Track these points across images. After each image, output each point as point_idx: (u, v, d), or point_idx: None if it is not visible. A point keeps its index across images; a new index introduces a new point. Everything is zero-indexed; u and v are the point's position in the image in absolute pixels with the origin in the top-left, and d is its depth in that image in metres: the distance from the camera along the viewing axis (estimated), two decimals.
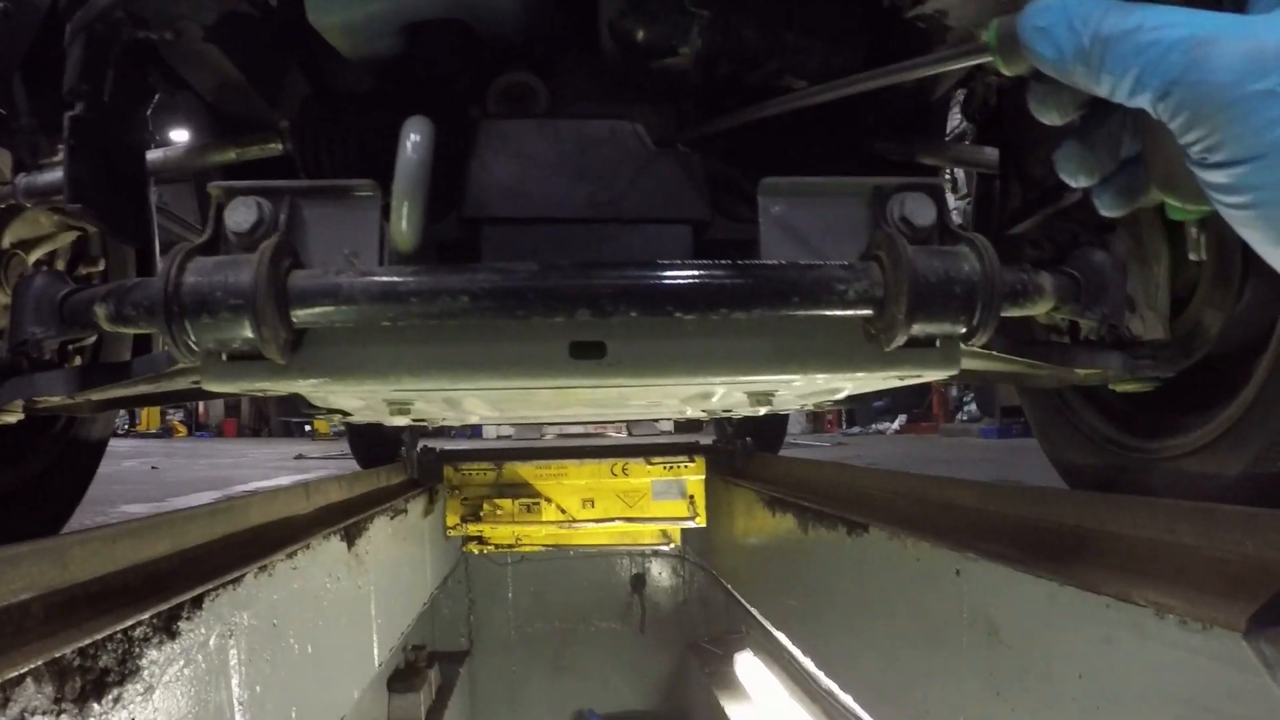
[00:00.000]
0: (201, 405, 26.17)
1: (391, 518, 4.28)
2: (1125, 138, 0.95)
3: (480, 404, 2.40)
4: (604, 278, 1.39)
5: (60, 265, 2.52)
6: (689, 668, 7.39)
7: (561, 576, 7.79)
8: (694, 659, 7.18)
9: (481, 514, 5.88)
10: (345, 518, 3.48)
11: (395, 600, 4.38)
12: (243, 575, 2.33)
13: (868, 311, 1.45)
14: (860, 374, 1.67)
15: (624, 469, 5.88)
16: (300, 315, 1.39)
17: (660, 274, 1.41)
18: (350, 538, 3.46)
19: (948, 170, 2.64)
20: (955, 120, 2.81)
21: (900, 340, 1.45)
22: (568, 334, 1.57)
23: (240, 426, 29.26)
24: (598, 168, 1.81)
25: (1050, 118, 0.95)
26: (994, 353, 1.95)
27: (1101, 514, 2.03)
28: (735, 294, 1.41)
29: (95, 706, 1.66)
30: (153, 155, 2.08)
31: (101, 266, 2.65)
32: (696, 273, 1.41)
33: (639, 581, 7.84)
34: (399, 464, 5.30)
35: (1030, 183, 2.13)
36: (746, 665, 6.32)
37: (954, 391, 21.47)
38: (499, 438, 16.98)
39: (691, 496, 5.91)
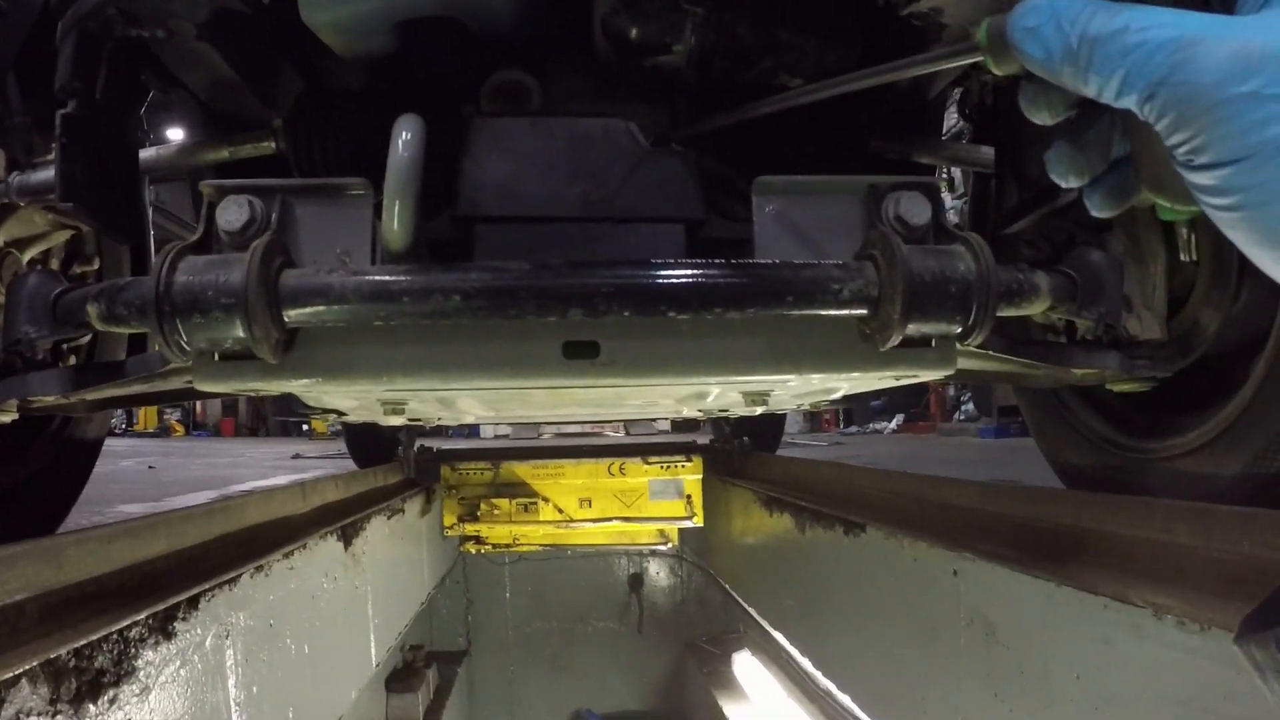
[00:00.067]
0: (199, 404, 26.13)
1: (389, 518, 4.28)
2: (1115, 138, 0.95)
3: (475, 404, 2.40)
4: (597, 277, 1.38)
5: (55, 264, 2.51)
6: (687, 667, 7.39)
7: (559, 576, 7.79)
8: (692, 659, 7.17)
9: (479, 514, 5.87)
10: (342, 518, 3.48)
11: (393, 600, 4.38)
12: (239, 575, 2.32)
13: (863, 311, 1.45)
14: (856, 374, 1.66)
15: (621, 469, 5.87)
16: (292, 315, 1.38)
17: (654, 273, 1.40)
18: (347, 538, 3.45)
19: (944, 169, 2.64)
20: (951, 119, 2.81)
21: (895, 340, 1.44)
22: (561, 334, 1.57)
23: (237, 426, 29.26)
24: (591, 166, 1.80)
25: (1041, 117, 0.95)
26: (990, 353, 1.94)
27: (1099, 514, 2.03)
28: (729, 293, 1.40)
29: (91, 708, 1.65)
30: (146, 154, 2.07)
31: (96, 265, 2.64)
32: (690, 272, 1.41)
33: (637, 581, 7.84)
34: (396, 463, 5.30)
35: (1026, 182, 2.12)
36: (744, 665, 6.31)
37: (951, 391, 21.46)
38: (496, 437, 16.97)
39: (689, 496, 5.91)
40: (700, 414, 3.69)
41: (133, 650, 1.80)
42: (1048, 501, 2.26)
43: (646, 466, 5.88)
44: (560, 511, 5.88)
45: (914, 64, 1.21)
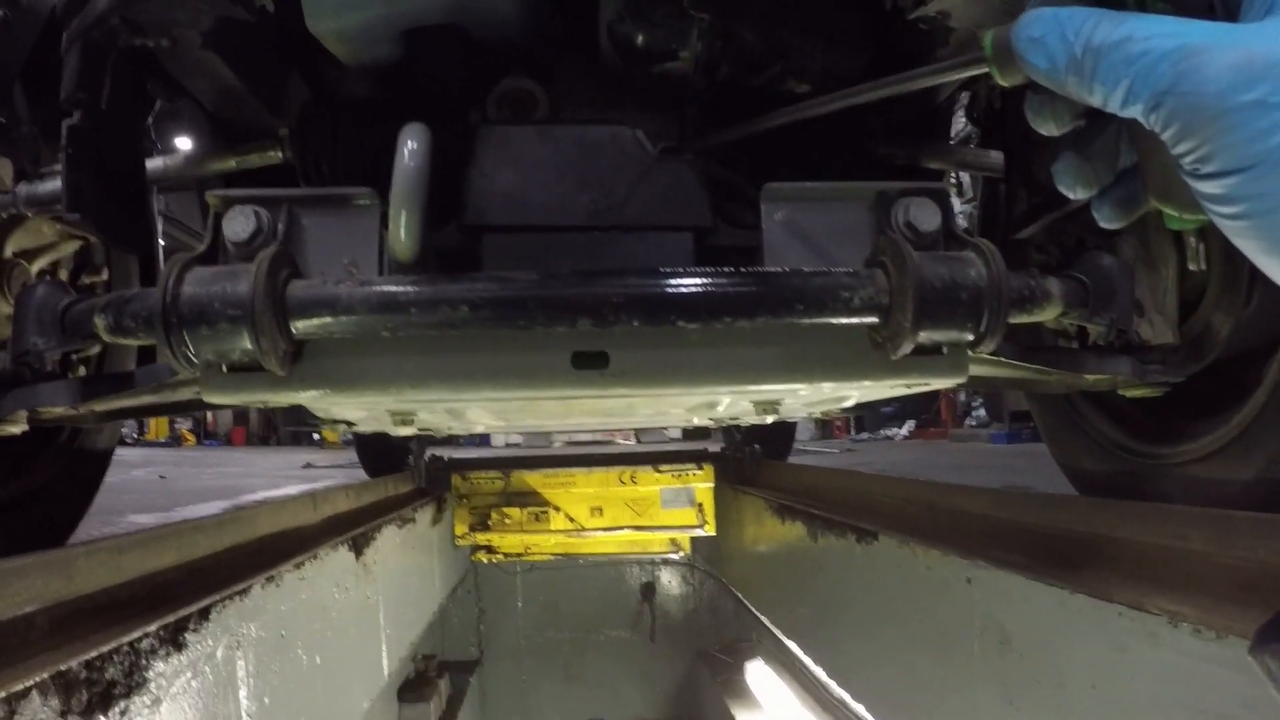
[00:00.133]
0: (210, 414, 26.25)
1: (400, 527, 4.27)
2: (1122, 149, 0.95)
3: (484, 414, 2.39)
4: (606, 286, 1.37)
5: (63, 274, 2.52)
6: (700, 676, 7.37)
7: (571, 585, 7.79)
8: (705, 667, 7.16)
9: (490, 523, 5.88)
10: (353, 527, 3.47)
11: (404, 610, 4.37)
12: (250, 586, 2.31)
13: (873, 319, 1.44)
14: (867, 382, 1.65)
15: (632, 477, 5.87)
16: (299, 326, 1.38)
17: (663, 282, 1.39)
18: (358, 547, 3.45)
19: (953, 174, 2.63)
20: (960, 123, 2.80)
21: (907, 348, 1.43)
22: (570, 344, 1.56)
23: (249, 435, 29.36)
24: (598, 174, 1.79)
25: (1047, 128, 0.94)
26: (1002, 359, 1.93)
27: (1112, 521, 2.02)
28: (739, 302, 1.39)
29: (102, 719, 1.65)
30: (153, 164, 2.07)
31: (105, 276, 2.64)
32: (699, 281, 1.40)
33: (649, 590, 7.83)
34: (407, 473, 5.30)
35: (1036, 187, 2.11)
36: (757, 674, 6.30)
37: (962, 397, 21.46)
38: (507, 445, 17.01)
39: (700, 504, 5.90)
40: (711, 422, 3.68)
41: (144, 662, 1.80)
42: (1061, 508, 2.25)
43: (658, 475, 5.87)
44: (571, 520, 5.88)
45: (921, 76, 1.21)
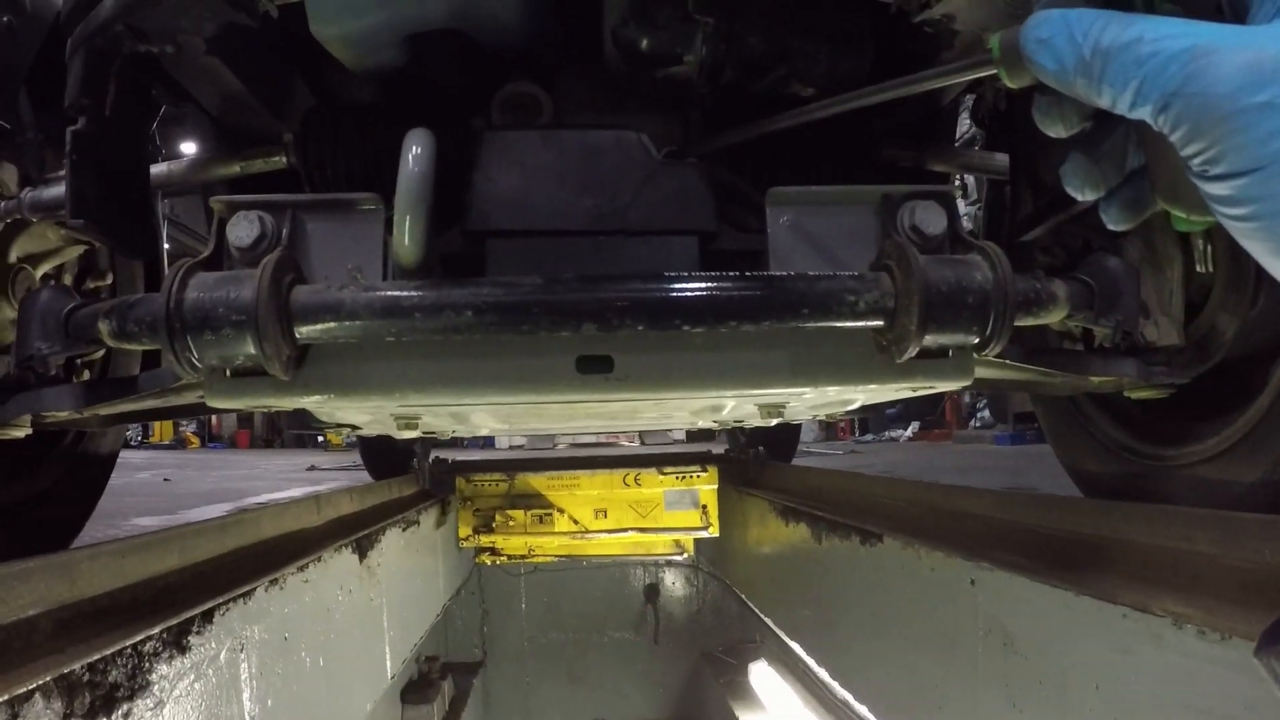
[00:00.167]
0: (214, 417, 26.24)
1: (404, 529, 4.28)
2: (1130, 150, 0.94)
3: (488, 417, 2.39)
4: (610, 291, 1.37)
5: (68, 279, 2.52)
6: (703, 677, 7.37)
7: (575, 587, 7.79)
8: (708, 669, 7.16)
9: (494, 525, 5.87)
10: (357, 530, 3.48)
11: (408, 612, 4.38)
12: (253, 589, 2.32)
13: (879, 323, 1.43)
14: (872, 386, 1.65)
15: (636, 479, 5.87)
16: (303, 331, 1.38)
17: (667, 287, 1.39)
18: (362, 550, 3.45)
19: (958, 176, 2.62)
20: (964, 125, 2.80)
21: (912, 352, 1.43)
22: (574, 348, 1.56)
23: (253, 438, 29.35)
24: (602, 179, 1.79)
25: (1055, 130, 0.94)
26: (1007, 361, 1.93)
27: (1117, 522, 2.02)
28: (744, 306, 1.39)
29: None
30: (158, 169, 2.07)
31: (110, 280, 2.64)
32: (704, 285, 1.39)
33: (652, 591, 7.83)
34: (411, 475, 5.29)
35: (1042, 188, 2.11)
36: (761, 675, 6.30)
37: (966, 398, 21.46)
38: (511, 447, 17.00)
39: (704, 506, 5.90)
40: (715, 425, 3.68)
41: (147, 664, 1.80)
42: (1065, 510, 2.25)
43: (661, 477, 5.87)
44: (575, 522, 5.87)
45: (927, 78, 1.20)
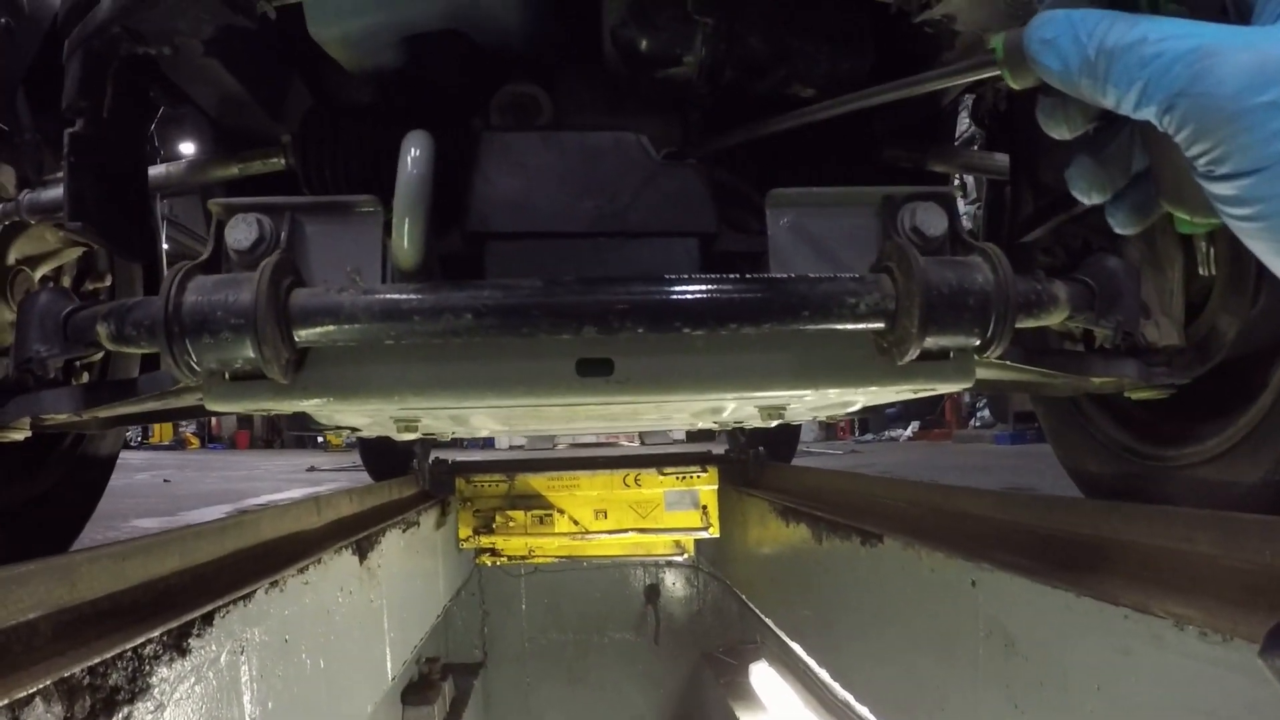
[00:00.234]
0: (214, 418, 26.25)
1: (404, 530, 4.27)
2: (1135, 152, 0.94)
3: (488, 419, 2.39)
4: (610, 294, 1.37)
5: (66, 281, 2.52)
6: (704, 678, 7.36)
7: (575, 588, 7.77)
8: (709, 669, 7.14)
9: (494, 526, 5.86)
10: (357, 531, 3.47)
11: (408, 613, 4.37)
12: (254, 591, 2.31)
13: (880, 325, 1.43)
14: (873, 388, 1.65)
15: (636, 479, 5.86)
16: (302, 334, 1.38)
17: (668, 289, 1.39)
18: (362, 551, 3.45)
19: (957, 175, 2.62)
20: (963, 124, 2.80)
21: (913, 354, 1.43)
22: (574, 351, 1.56)
23: (253, 438, 29.39)
24: (602, 180, 1.79)
25: (1059, 132, 0.94)
26: (1008, 363, 1.92)
27: (1118, 523, 2.01)
28: (744, 309, 1.39)
29: None
30: (156, 171, 2.07)
31: (108, 282, 2.64)
32: (705, 287, 1.39)
33: (653, 592, 7.81)
34: (411, 476, 5.29)
35: (1042, 189, 2.11)
36: (761, 676, 6.29)
37: (967, 398, 21.46)
38: (511, 448, 17.01)
39: (705, 507, 5.89)
40: (716, 426, 3.68)
41: (147, 667, 1.80)
42: (1066, 510, 2.24)
43: (662, 477, 5.86)
44: (576, 523, 5.86)
45: (929, 79, 1.20)
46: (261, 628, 2.35)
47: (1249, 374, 2.11)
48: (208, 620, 2.05)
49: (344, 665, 3.16)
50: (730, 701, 6.26)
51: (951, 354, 1.52)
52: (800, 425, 6.54)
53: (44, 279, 2.35)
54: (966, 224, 1.63)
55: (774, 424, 2.51)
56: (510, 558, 6.16)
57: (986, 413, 21.29)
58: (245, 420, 28.52)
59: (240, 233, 1.48)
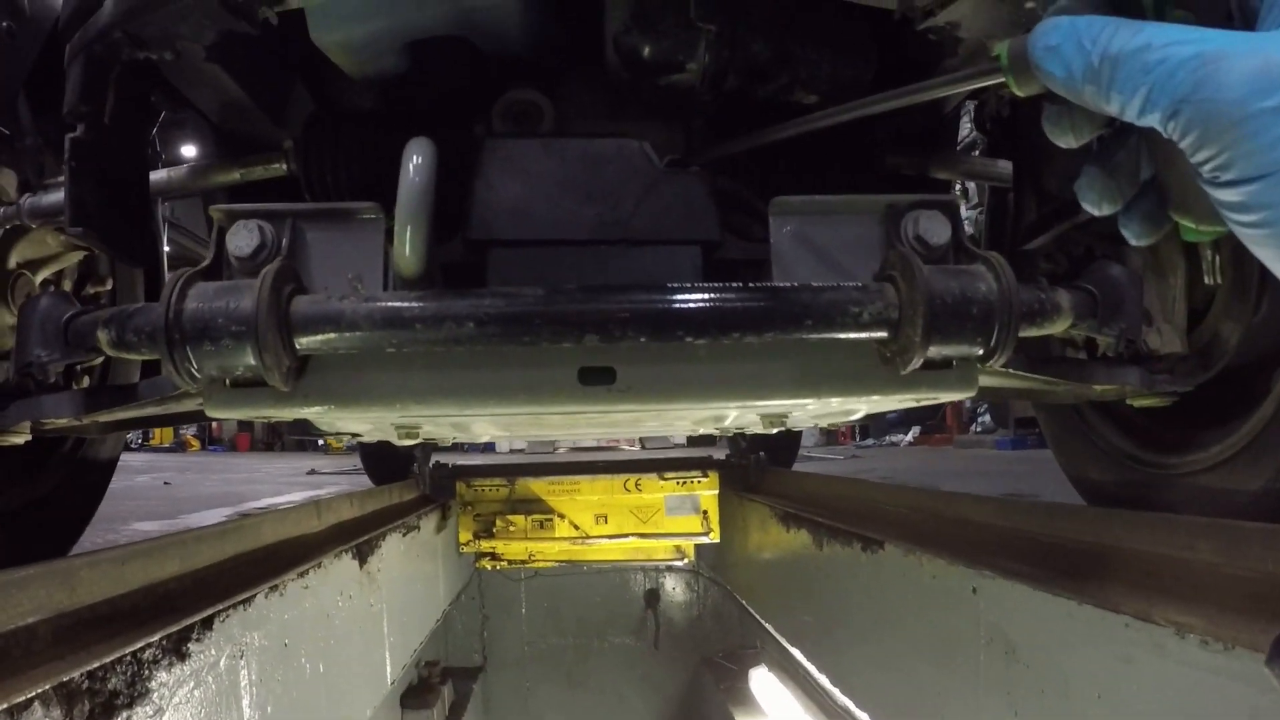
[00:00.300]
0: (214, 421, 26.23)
1: (404, 535, 4.27)
2: (1143, 161, 0.93)
3: (490, 425, 2.39)
4: (613, 302, 1.36)
5: (68, 285, 2.51)
6: (703, 683, 7.35)
7: (575, 592, 7.76)
8: (708, 674, 7.14)
9: (494, 530, 5.85)
10: (357, 535, 3.47)
11: (408, 617, 4.36)
12: (253, 595, 2.31)
13: (883, 334, 1.43)
14: (875, 397, 1.65)
15: (637, 484, 5.85)
16: (303, 342, 1.37)
17: (670, 298, 1.39)
18: (362, 555, 3.44)
19: (958, 181, 2.62)
20: (965, 129, 2.79)
21: (916, 363, 1.42)
22: (576, 359, 1.56)
23: (253, 441, 29.39)
24: (605, 188, 1.78)
25: (1066, 140, 0.93)
26: (1011, 371, 1.92)
27: (1119, 531, 2.01)
28: (747, 318, 1.38)
29: None
30: (157, 176, 2.07)
31: (109, 286, 2.64)
32: (707, 296, 1.39)
33: (653, 597, 7.80)
34: (412, 480, 5.29)
35: (1045, 197, 2.10)
36: (761, 681, 6.28)
37: (967, 403, 21.43)
38: (512, 451, 17.02)
39: (705, 512, 5.88)
40: (717, 431, 3.67)
41: (146, 672, 1.79)
42: (1068, 518, 2.24)
43: (662, 482, 5.85)
44: (576, 528, 5.85)
45: (934, 86, 1.20)
46: (261, 632, 2.35)
47: (1251, 381, 2.11)
48: (207, 624, 2.04)
49: (343, 669, 3.16)
50: (730, 707, 6.25)
51: (954, 363, 1.51)
52: (801, 431, 6.53)
53: (45, 283, 2.35)
54: (968, 229, 1.63)
55: (775, 431, 2.51)
56: (510, 562, 6.16)
57: (987, 418, 21.27)
58: (246, 423, 28.47)
59: (241, 239, 1.48)
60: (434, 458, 5.68)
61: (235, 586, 2.26)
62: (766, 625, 5.32)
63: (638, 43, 1.79)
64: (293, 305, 1.37)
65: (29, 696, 1.43)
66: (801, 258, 1.60)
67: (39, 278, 2.31)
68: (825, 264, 1.59)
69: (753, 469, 5.62)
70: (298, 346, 1.38)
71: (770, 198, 1.62)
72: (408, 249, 1.38)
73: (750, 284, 1.42)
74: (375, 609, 3.62)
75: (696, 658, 7.67)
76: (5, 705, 1.37)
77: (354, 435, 2.59)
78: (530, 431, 3.25)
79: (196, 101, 2.00)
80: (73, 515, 2.77)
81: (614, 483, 5.85)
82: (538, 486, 5.87)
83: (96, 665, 1.63)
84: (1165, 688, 1.73)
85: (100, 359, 2.53)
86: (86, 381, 2.58)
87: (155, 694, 1.81)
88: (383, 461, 5.94)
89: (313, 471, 13.19)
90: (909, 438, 22.81)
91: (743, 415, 2.22)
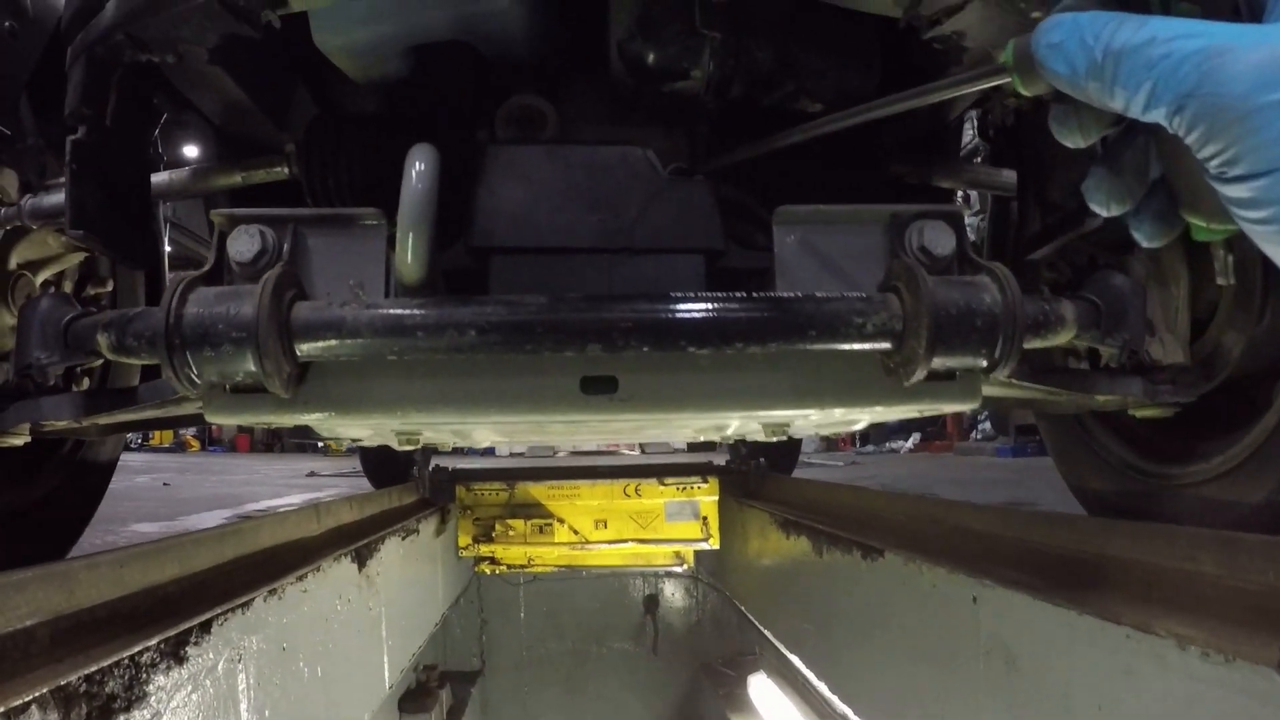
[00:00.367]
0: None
1: (403, 538, 4.26)
2: (1152, 160, 0.92)
3: (490, 431, 2.39)
4: (615, 311, 1.36)
5: (68, 286, 2.51)
6: (702, 690, 7.34)
7: (574, 597, 7.75)
8: (707, 681, 7.12)
9: (494, 534, 5.84)
10: (356, 539, 3.46)
11: (407, 621, 4.36)
12: (252, 599, 2.30)
13: (887, 345, 1.42)
14: (878, 408, 1.64)
15: (637, 490, 5.84)
16: (304, 348, 1.37)
17: (673, 307, 1.38)
18: (361, 559, 3.43)
19: (960, 189, 2.62)
20: (967, 136, 2.79)
21: (920, 374, 1.42)
22: (578, 368, 1.55)
23: (253, 442, 29.41)
24: (608, 195, 1.78)
25: (1073, 140, 0.92)
26: (1014, 381, 1.91)
27: (1121, 541, 2.00)
28: (750, 328, 1.38)
29: None
30: (159, 178, 2.07)
31: (110, 287, 2.64)
32: (710, 306, 1.38)
33: (652, 603, 7.79)
34: (411, 484, 5.28)
35: (1050, 206, 2.10)
36: (760, 688, 6.27)
37: (968, 411, 21.44)
38: (512, 455, 17.02)
39: (705, 518, 5.87)
40: (718, 439, 3.67)
41: (144, 675, 1.79)
42: (1068, 528, 2.23)
43: (662, 488, 5.84)
44: (576, 533, 5.84)
45: (940, 89, 1.19)
46: (259, 635, 2.34)
47: (1254, 392, 2.10)
48: (205, 628, 2.04)
49: (342, 673, 3.15)
50: (728, 713, 6.24)
51: (958, 375, 1.51)
52: (801, 438, 6.53)
53: (45, 284, 2.35)
54: (971, 236, 1.62)
55: (776, 439, 2.50)
56: (509, 566, 6.15)
57: (988, 425, 21.28)
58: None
59: (242, 244, 1.47)
60: (434, 461, 5.67)
61: (234, 590, 2.26)
62: (766, 632, 5.31)
63: (642, 49, 1.78)
64: (294, 311, 1.37)
65: (26, 700, 1.43)
66: (805, 267, 1.60)
67: (39, 279, 2.31)
68: (829, 274, 1.59)
69: (753, 475, 5.61)
70: (298, 353, 1.37)
71: (774, 206, 1.62)
72: (410, 256, 1.37)
73: (754, 294, 1.42)
74: (374, 613, 3.62)
75: (695, 664, 7.65)
76: (3, 709, 1.36)
77: (354, 439, 2.59)
78: (531, 437, 3.25)
79: (198, 104, 1.99)
80: (72, 517, 2.77)
81: (614, 488, 5.84)
82: (537, 491, 5.86)
83: (94, 669, 1.62)
84: (1166, 699, 1.72)
85: (100, 361, 2.53)
86: (86, 383, 2.58)
87: (153, 698, 1.81)
88: (382, 465, 5.95)
89: (312, 474, 13.20)
90: (909, 444, 22.83)
91: (745, 424, 2.22)
